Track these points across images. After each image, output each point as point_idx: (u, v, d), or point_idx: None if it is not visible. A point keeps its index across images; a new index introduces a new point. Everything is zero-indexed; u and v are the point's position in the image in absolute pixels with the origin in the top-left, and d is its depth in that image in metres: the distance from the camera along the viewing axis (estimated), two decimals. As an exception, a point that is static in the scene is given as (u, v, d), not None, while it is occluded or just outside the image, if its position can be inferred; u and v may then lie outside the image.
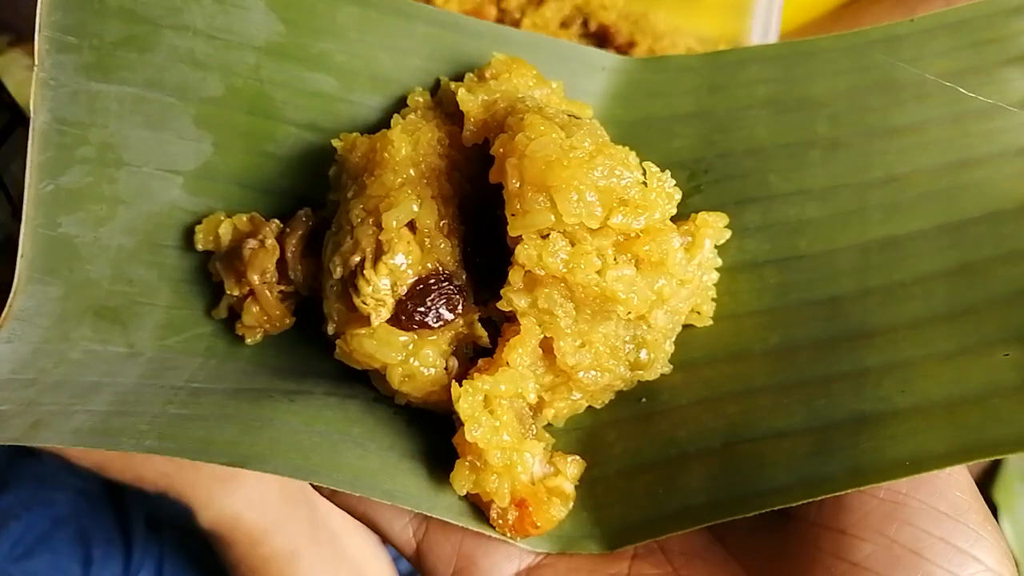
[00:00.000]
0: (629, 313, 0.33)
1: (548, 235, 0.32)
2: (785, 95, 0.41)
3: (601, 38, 0.63)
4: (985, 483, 1.93)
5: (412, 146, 0.35)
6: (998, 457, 0.31)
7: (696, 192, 0.40)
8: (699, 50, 0.62)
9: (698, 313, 0.37)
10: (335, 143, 0.37)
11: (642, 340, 0.35)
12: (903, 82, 0.40)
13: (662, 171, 0.34)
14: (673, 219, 0.35)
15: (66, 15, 0.38)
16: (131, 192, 0.39)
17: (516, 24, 0.61)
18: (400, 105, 0.41)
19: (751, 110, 0.41)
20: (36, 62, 0.38)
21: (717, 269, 0.37)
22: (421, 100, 0.40)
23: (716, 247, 0.37)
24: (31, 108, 0.38)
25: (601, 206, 0.31)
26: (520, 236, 0.32)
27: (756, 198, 0.39)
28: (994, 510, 1.74)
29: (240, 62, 0.39)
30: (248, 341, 0.38)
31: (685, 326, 0.37)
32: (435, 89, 0.41)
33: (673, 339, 0.36)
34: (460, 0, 0.62)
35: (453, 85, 0.39)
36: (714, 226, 0.37)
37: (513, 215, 0.32)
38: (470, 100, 0.36)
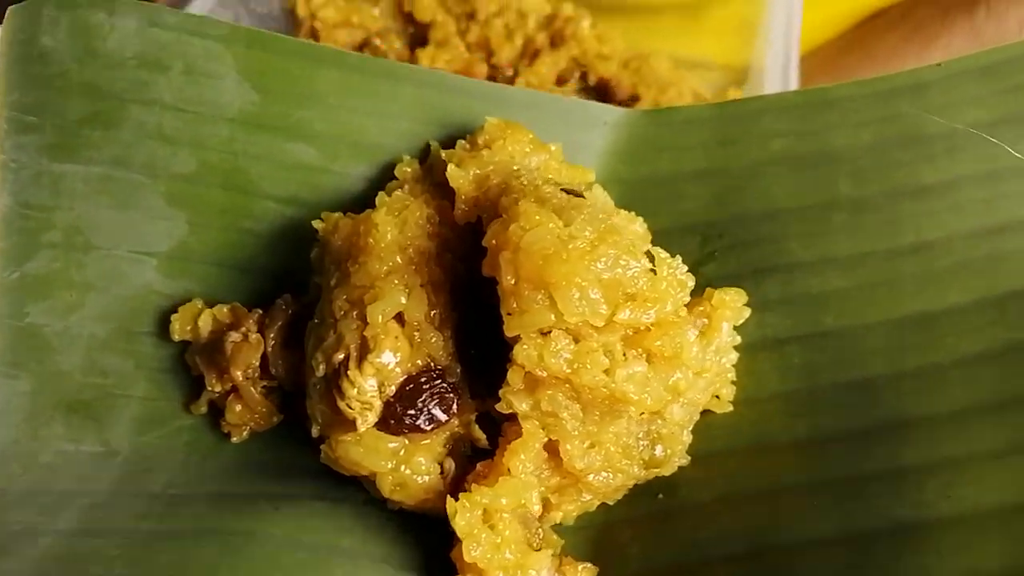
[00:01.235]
0: (642, 413, 0.30)
1: (549, 332, 0.29)
2: (803, 149, 0.38)
3: (602, 92, 0.59)
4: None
5: (399, 228, 0.32)
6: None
7: (710, 259, 0.37)
8: (708, 98, 0.58)
9: (717, 398, 0.34)
10: (316, 224, 0.34)
11: (657, 435, 0.32)
12: (932, 134, 0.36)
13: (673, 238, 0.32)
14: (685, 294, 0.32)
15: (25, 94, 0.35)
16: (102, 277, 0.37)
17: (509, 82, 0.57)
18: (387, 173, 0.38)
19: (767, 167, 0.38)
20: (-5, 144, 0.35)
21: (736, 348, 0.34)
22: (409, 171, 0.37)
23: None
24: (-9, 192, 0.35)
25: (606, 302, 0.28)
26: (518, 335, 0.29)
27: (776, 267, 0.36)
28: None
29: (213, 135, 0.36)
30: (234, 439, 0.36)
31: (703, 412, 0.34)
32: (425, 155, 0.38)
33: (690, 428, 0.33)
34: (449, 59, 0.59)
35: (444, 154, 0.36)
36: (732, 306, 0.34)
37: (509, 314, 0.29)
38: (460, 176, 0.33)
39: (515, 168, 0.34)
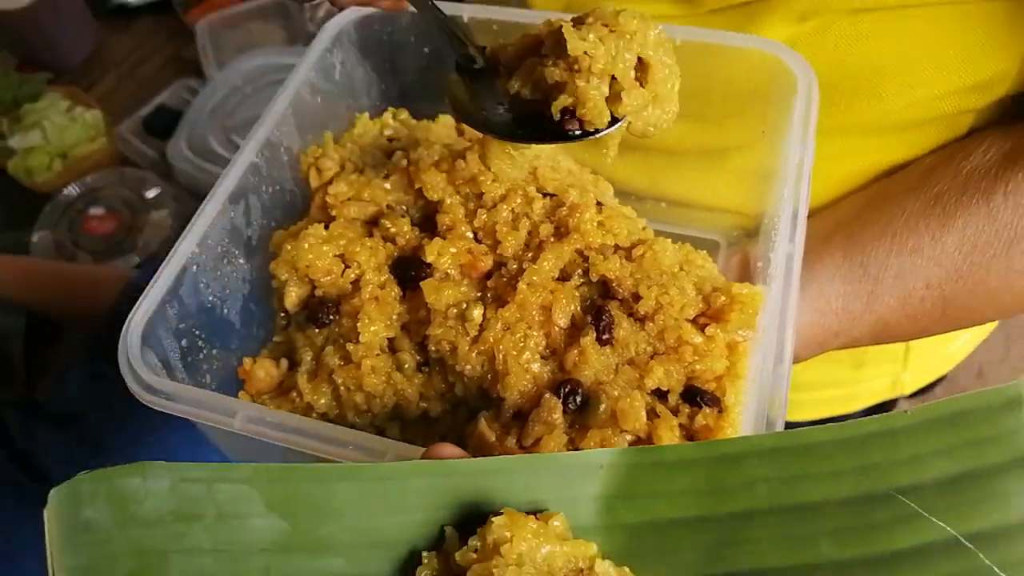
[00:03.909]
0: None
1: None
2: (787, 499, 0.41)
3: (604, 288, 0.59)
4: None
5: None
6: None
7: (709, 620, 0.41)
8: (716, 272, 0.60)
9: None
10: None
11: None
12: (904, 489, 0.39)
13: None
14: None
15: (76, 559, 0.39)
16: None
17: (515, 277, 0.59)
18: (408, 567, 0.41)
19: (755, 518, 0.41)
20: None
21: None
22: (429, 573, 0.40)
23: None
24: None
25: None
26: None
27: (769, 643, 0.39)
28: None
29: (250, 567, 0.40)
30: None
31: None
32: (441, 541, 0.42)
33: None
34: (455, 255, 0.60)
35: (459, 556, 0.40)
36: None
37: None
38: (478, 614, 0.37)
39: (521, 582, 0.38)
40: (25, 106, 1.93)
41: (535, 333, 0.55)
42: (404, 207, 0.66)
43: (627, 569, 0.41)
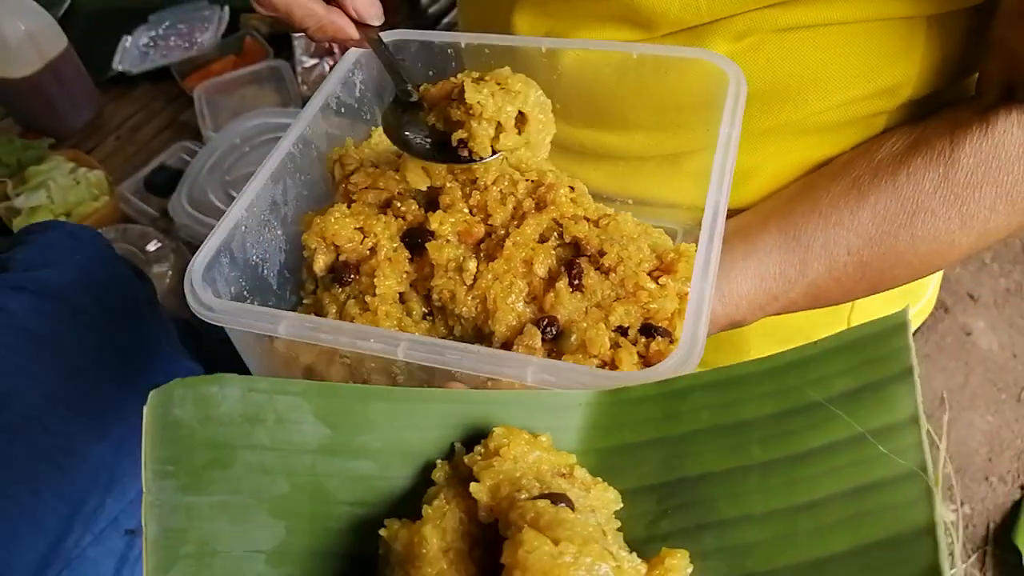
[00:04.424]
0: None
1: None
2: (725, 419, 0.52)
3: (575, 248, 0.71)
4: (1008, 529, 2.03)
5: (441, 537, 0.46)
6: None
7: (664, 516, 0.51)
8: (671, 243, 0.72)
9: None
10: (381, 532, 0.48)
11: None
12: (813, 404, 0.50)
13: (637, 497, 0.45)
14: (643, 553, 0.46)
15: (165, 450, 0.49)
16: (225, 573, 0.50)
17: (502, 240, 0.70)
18: (425, 473, 0.52)
19: (699, 435, 0.52)
20: (144, 489, 0.49)
21: (683, 594, 0.48)
22: (442, 474, 0.51)
23: (681, 577, 0.48)
24: (143, 523, 0.49)
25: (588, 596, 0.42)
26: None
27: (711, 523, 0.49)
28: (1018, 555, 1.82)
29: (299, 464, 0.51)
30: None
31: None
32: (452, 453, 0.52)
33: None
34: (454, 224, 0.72)
35: (466, 459, 0.50)
36: (678, 567, 0.47)
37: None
38: (480, 491, 0.47)
39: (518, 475, 0.48)
40: (30, 168, 2.00)
41: (519, 281, 0.67)
42: (412, 193, 0.78)
43: (600, 479, 0.52)
